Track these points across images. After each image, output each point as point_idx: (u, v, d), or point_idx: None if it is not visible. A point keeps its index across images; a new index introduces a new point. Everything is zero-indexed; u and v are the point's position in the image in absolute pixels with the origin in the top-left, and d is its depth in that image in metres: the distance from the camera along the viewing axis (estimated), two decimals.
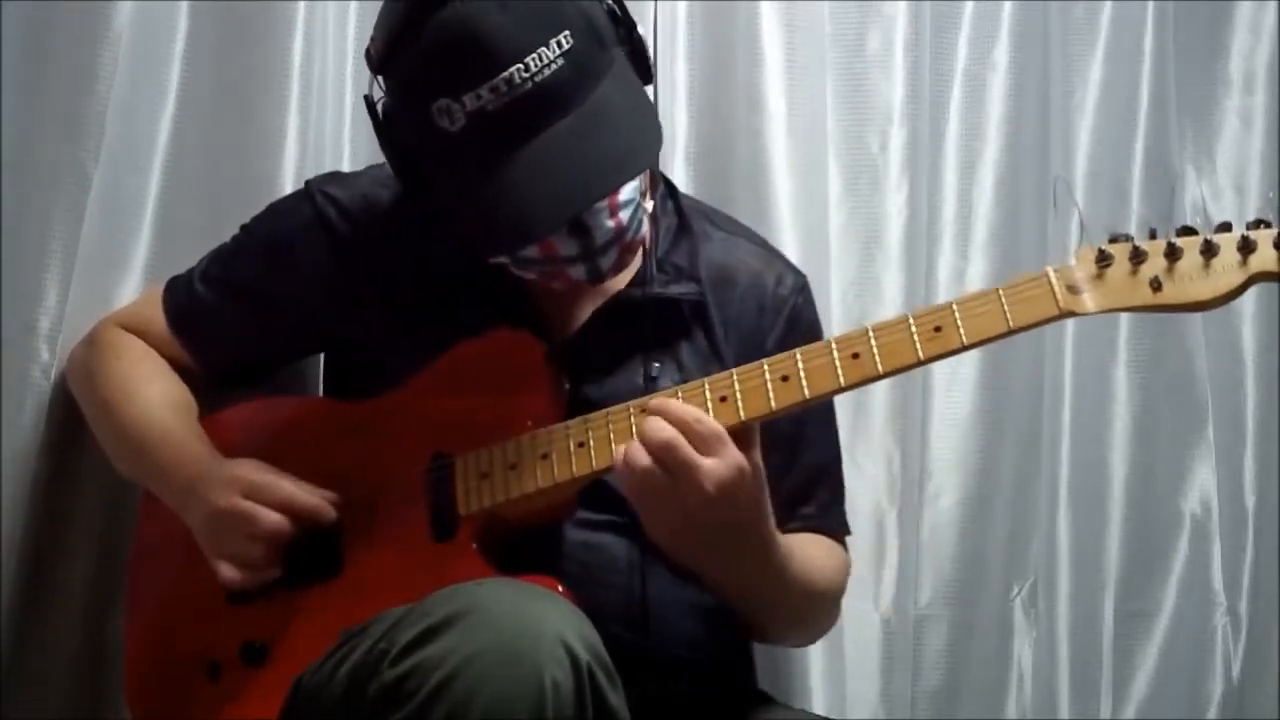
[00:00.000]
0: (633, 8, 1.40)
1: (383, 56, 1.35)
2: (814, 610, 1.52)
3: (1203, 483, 2.07)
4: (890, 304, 1.93)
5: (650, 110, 1.39)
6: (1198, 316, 2.04)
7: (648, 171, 1.43)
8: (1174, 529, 2.06)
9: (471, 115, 1.29)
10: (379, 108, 1.39)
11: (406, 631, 1.14)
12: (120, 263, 1.70)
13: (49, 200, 1.65)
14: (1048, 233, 2.00)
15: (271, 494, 1.41)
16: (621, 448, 1.28)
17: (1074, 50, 2.06)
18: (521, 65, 1.28)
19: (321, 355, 1.65)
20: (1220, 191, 2.14)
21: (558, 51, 1.29)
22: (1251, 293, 2.15)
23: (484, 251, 1.39)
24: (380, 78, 1.38)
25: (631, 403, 1.35)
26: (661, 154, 1.86)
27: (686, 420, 1.26)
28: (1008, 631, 1.97)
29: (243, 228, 1.60)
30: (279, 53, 1.74)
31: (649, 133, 1.37)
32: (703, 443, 1.26)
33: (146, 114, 1.72)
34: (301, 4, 1.76)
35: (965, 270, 1.99)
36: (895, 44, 1.96)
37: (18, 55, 1.65)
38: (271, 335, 1.58)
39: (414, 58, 1.31)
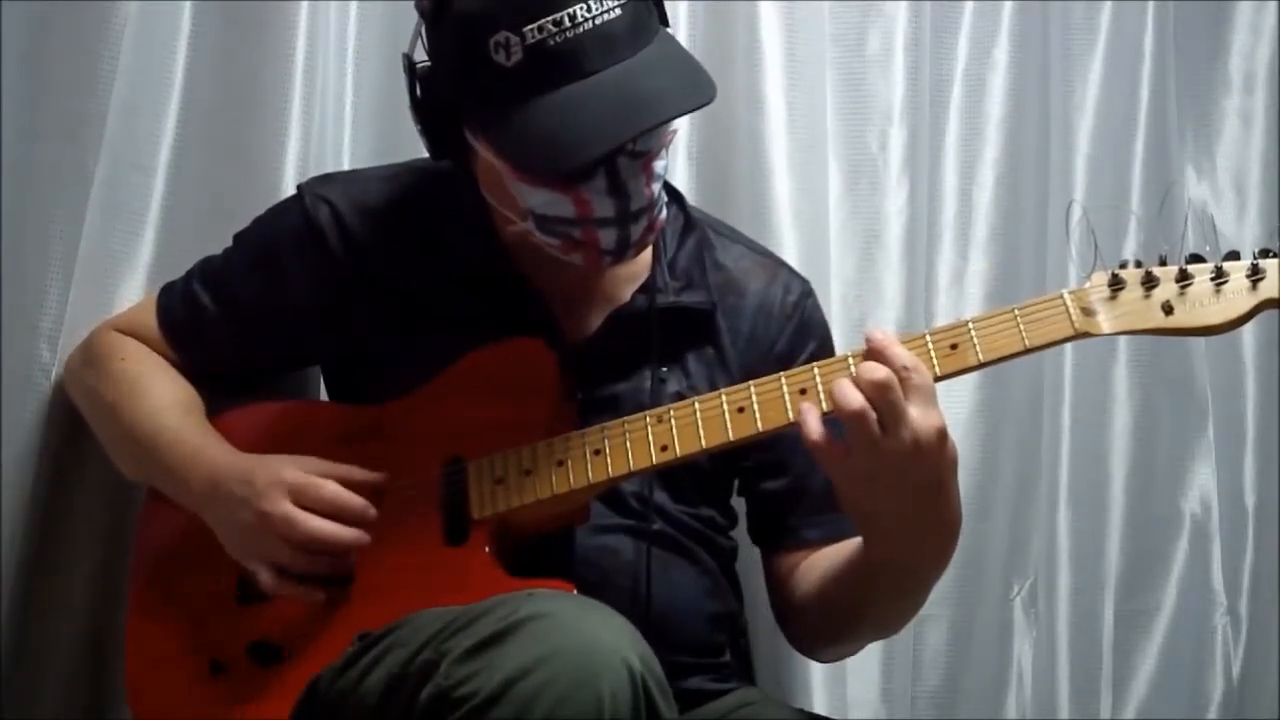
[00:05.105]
0: None
1: None
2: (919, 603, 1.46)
3: (1203, 483, 2.07)
4: (890, 304, 1.93)
5: (699, 66, 1.40)
6: None
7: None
8: (1174, 529, 2.06)
9: (530, 49, 1.30)
10: (417, 67, 1.40)
11: (461, 639, 1.14)
12: (122, 262, 1.69)
13: (50, 200, 1.65)
14: (1048, 233, 2.00)
15: (318, 496, 1.38)
16: (806, 403, 1.27)
17: (1074, 50, 2.06)
18: (585, 4, 1.31)
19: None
20: (1220, 192, 2.14)
21: (618, 0, 1.33)
22: None
23: (537, 171, 1.36)
24: (425, 29, 1.39)
25: (648, 412, 1.36)
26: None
27: (906, 364, 1.23)
28: (1008, 631, 1.97)
29: (236, 235, 1.59)
30: (282, 53, 1.74)
31: (703, 76, 1.38)
32: (913, 392, 1.23)
33: (149, 113, 1.72)
34: (304, 4, 1.75)
35: (965, 270, 1.99)
36: (895, 44, 1.96)
37: (18, 54, 1.64)
38: (262, 345, 1.57)
39: None
